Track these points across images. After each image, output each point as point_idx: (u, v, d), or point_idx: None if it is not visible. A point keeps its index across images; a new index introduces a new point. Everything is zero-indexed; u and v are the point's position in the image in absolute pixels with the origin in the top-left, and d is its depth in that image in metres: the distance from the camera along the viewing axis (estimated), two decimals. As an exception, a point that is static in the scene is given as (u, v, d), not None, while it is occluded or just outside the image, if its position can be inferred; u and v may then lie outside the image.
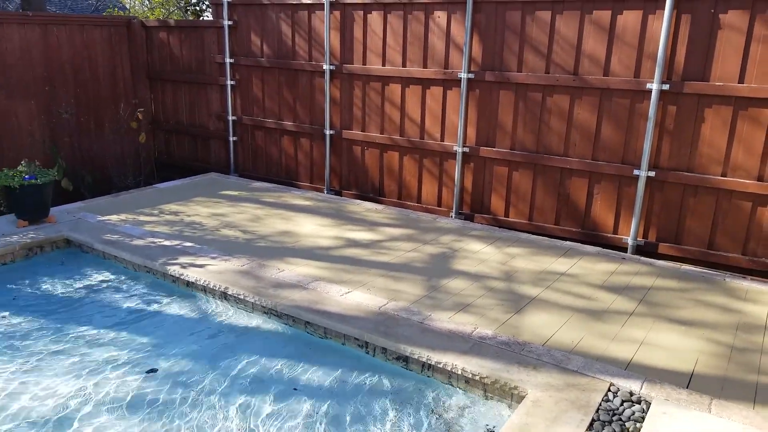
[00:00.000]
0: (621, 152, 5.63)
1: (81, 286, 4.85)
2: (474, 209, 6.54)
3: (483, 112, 6.26)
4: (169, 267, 4.79)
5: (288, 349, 3.98)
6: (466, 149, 6.40)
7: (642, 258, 5.39)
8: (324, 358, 3.88)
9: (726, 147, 5.17)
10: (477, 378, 3.41)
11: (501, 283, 4.68)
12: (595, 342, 3.80)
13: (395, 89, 6.76)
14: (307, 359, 3.86)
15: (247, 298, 4.34)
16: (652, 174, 5.46)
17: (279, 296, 4.31)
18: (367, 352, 3.84)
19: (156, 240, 5.40)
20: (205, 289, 4.55)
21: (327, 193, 7.48)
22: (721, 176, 5.23)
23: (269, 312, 4.25)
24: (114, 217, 6.06)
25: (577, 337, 3.86)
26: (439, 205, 6.78)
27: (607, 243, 5.81)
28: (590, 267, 5.08)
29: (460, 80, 6.25)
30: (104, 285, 4.87)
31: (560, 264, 5.13)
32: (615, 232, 5.80)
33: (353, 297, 4.33)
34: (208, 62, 8.16)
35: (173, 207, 6.51)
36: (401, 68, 6.63)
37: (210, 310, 4.46)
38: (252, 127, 8.07)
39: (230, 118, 8.15)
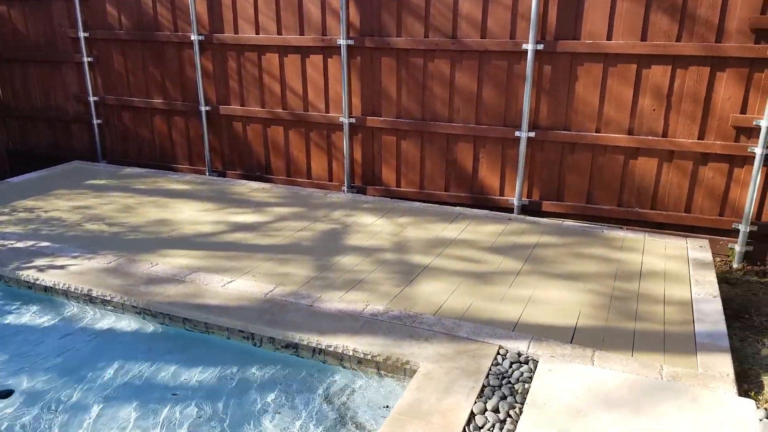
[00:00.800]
0: (502, 115, 5.69)
1: None
2: (366, 181, 6.42)
3: (366, 80, 6.10)
4: (22, 272, 4.30)
5: (166, 350, 3.69)
6: (353, 120, 6.23)
7: (527, 217, 5.52)
8: (208, 355, 3.63)
9: (599, 104, 5.35)
10: (369, 357, 3.32)
11: (393, 255, 4.60)
12: (484, 305, 3.81)
13: (272, 59, 6.43)
14: (189, 359, 3.59)
15: (115, 299, 3.98)
16: (532, 134, 5.56)
17: (152, 293, 3.98)
18: (255, 344, 3.64)
19: (6, 242, 4.83)
20: (66, 294, 4.12)
21: (209, 174, 7.08)
22: (596, 132, 5.42)
23: (142, 312, 3.91)
24: (-38, 219, 5.38)
25: (468, 302, 3.86)
26: (331, 179, 6.60)
27: (495, 205, 5.90)
28: (479, 230, 5.13)
29: (339, 47, 6.04)
30: (-49, 298, 4.30)
31: (450, 230, 5.14)
32: (501, 194, 5.89)
33: (236, 286, 4.09)
34: (60, 38, 7.39)
35: (28, 203, 5.88)
36: (276, 36, 6.30)
37: (74, 316, 4.04)
38: (118, 107, 7.44)
39: (91, 99, 7.46)
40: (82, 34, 7.17)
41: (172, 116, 7.17)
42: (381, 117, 6.14)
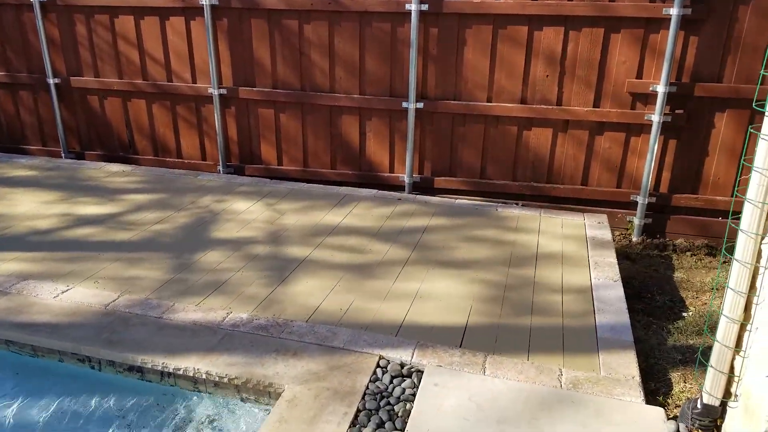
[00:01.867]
0: (388, 84, 5.18)
1: None
2: (244, 160, 5.75)
3: (236, 46, 5.38)
4: None
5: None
6: (224, 91, 5.51)
7: (418, 196, 5.09)
8: (37, 383, 2.94)
9: (489, 71, 4.95)
10: (226, 380, 2.76)
11: (266, 248, 4.02)
12: (366, 305, 3.34)
13: (127, 23, 5.55)
14: (13, 390, 2.89)
15: None
16: (420, 105, 5.10)
17: (-39, 312, 3.20)
18: (93, 367, 2.98)
19: None
20: None
21: (65, 156, 6.13)
22: (487, 102, 5.04)
23: (-50, 335, 3.14)
24: None
25: (347, 302, 3.37)
26: (204, 158, 5.87)
27: (385, 183, 5.43)
28: (365, 214, 4.64)
29: (202, 7, 5.27)
30: None
31: (334, 215, 4.62)
32: (392, 170, 5.43)
33: (72, 296, 3.38)
34: None
35: None
36: (129, -4, 5.43)
37: None
38: (-50, 80, 6.28)
39: None
40: None
41: (18, 91, 6.12)
42: (255, 87, 5.47)
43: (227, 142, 5.72)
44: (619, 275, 3.74)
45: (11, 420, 2.73)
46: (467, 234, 4.31)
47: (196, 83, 5.60)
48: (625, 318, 3.26)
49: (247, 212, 4.64)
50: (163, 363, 2.84)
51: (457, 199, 5.08)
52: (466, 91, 5.04)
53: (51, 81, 5.89)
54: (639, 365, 2.88)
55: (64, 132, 6.10)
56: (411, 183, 5.33)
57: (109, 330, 3.07)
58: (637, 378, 2.76)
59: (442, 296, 3.45)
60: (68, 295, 3.38)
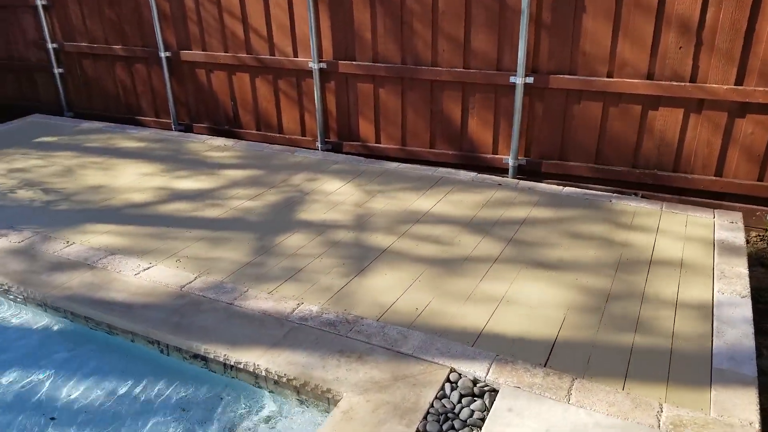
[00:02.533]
0: (495, 57, 4.73)
1: None
2: (342, 137, 5.59)
3: (336, 17, 5.17)
4: None
5: (60, 353, 3.05)
6: (323, 65, 5.35)
7: (521, 182, 4.64)
8: (107, 362, 2.98)
9: (611, 41, 4.35)
10: (285, 380, 2.61)
11: (349, 234, 3.83)
12: (444, 306, 3.04)
13: (231, -4, 5.53)
14: (84, 367, 2.95)
15: (12, 289, 3.33)
16: (530, 80, 4.61)
17: (51, 284, 3.32)
18: (161, 351, 2.96)
19: None
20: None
21: (175, 128, 6.32)
22: (607, 77, 4.45)
23: (42, 305, 3.27)
24: None
25: (425, 300, 3.09)
26: (304, 134, 5.78)
27: (487, 165, 5.03)
28: (460, 200, 4.29)
29: (302, -21, 5.10)
30: None
31: (426, 199, 4.32)
32: (495, 152, 5.01)
33: (152, 274, 3.39)
34: (8, -24, 6.58)
35: (-35, 165, 5.25)
36: (232, -32, 5.38)
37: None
38: (78, 55, 6.67)
39: (50, 45, 6.70)
40: (23, -29, 6.35)
41: (134, 64, 6.37)
42: (355, 61, 5.24)
43: (326, 117, 5.57)
44: (748, 290, 3.13)
45: (72, 396, 2.77)
46: (572, 229, 3.84)
47: (297, 57, 5.48)
48: (749, 346, 2.70)
49: (336, 193, 4.47)
50: (225, 355, 2.74)
51: (565, 186, 4.57)
52: (584, 65, 4.48)
53: (162, 54, 6.04)
54: (761, 407, 2.36)
55: (174, 104, 6.27)
56: (515, 166, 4.88)
57: (180, 314, 3.03)
58: (757, 425, 2.24)
59: (533, 302, 3.06)
60: (148, 273, 3.40)
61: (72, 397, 2.78)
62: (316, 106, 5.51)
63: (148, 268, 3.47)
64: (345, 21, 5.14)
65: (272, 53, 5.58)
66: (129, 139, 5.85)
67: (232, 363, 2.73)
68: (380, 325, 2.90)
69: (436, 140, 5.19)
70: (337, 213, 4.13)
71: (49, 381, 2.87)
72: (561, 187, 4.53)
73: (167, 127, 6.38)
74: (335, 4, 5.11)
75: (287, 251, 3.63)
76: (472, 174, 4.80)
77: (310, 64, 5.37)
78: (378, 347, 2.74)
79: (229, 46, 5.75)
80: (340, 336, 2.83)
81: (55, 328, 3.23)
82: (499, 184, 4.58)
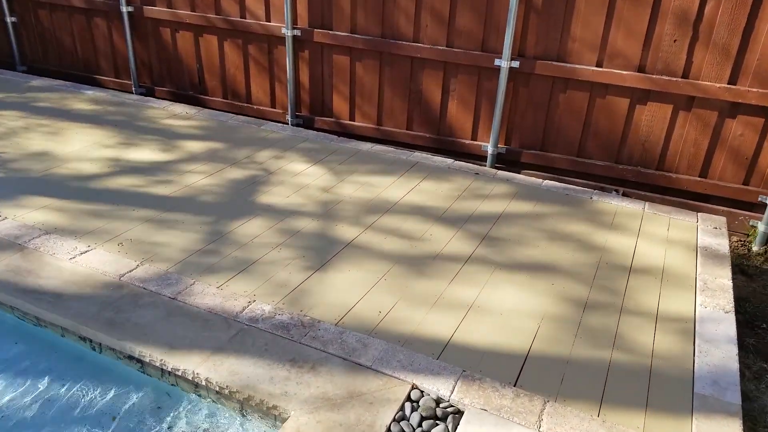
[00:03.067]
0: (481, 36, 4.43)
1: None
2: (314, 111, 5.26)
3: (312, -18, 4.79)
4: None
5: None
6: (297, 32, 4.97)
7: (499, 172, 4.39)
8: (31, 357, 2.68)
9: (603, 28, 4.08)
10: (227, 392, 2.34)
11: (313, 223, 3.54)
12: (409, 311, 2.79)
13: (199, -49, 5.09)
14: (7, 364, 2.64)
15: (-71, 269, 2.99)
16: (515, 64, 4.33)
17: (-26, 266, 2.98)
18: (93, 348, 2.66)
19: None
20: None
21: (136, 90, 5.90)
22: (596, 66, 4.19)
23: (-37, 288, 2.93)
24: None
25: (388, 304, 2.84)
26: (273, 105, 5.42)
27: (465, 151, 4.76)
28: (434, 189, 4.03)
29: (277, -62, 4.69)
30: None
31: (399, 186, 4.04)
32: (474, 137, 4.74)
33: (89, 259, 3.07)
34: None
35: None
36: None
37: None
38: (33, 3, 6.15)
39: (0, -9, 6.17)
40: None
41: (93, 17, 5.89)
42: (332, 30, 4.88)
43: (298, 89, 5.22)
44: (732, 304, 2.95)
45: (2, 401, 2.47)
46: (550, 227, 3.61)
47: (269, 21, 5.10)
48: (733, 368, 2.52)
49: (303, 174, 4.16)
50: (161, 359, 2.46)
51: (545, 180, 4.34)
52: (573, 52, 4.21)
53: (124, 9, 5.59)
54: (750, 446, 2.18)
55: (136, 65, 5.84)
56: (494, 154, 4.63)
57: (115, 308, 2.73)
58: (747, 472, 2.07)
59: (505, 310, 2.84)
60: (85, 258, 3.07)
61: (-12, 397, 2.48)
62: (288, 77, 5.15)
63: (86, 251, 3.14)
64: (321, -13, 4.76)
65: (243, 15, 5.18)
66: (83, 100, 5.42)
67: (169, 369, 2.45)
68: (338, 331, 2.64)
69: (413, 122, 4.90)
70: (302, 197, 3.83)
71: (-37, 377, 2.56)
72: (541, 180, 4.29)
73: (128, 89, 5.95)
74: (312, -32, 4.73)
75: (242, 239, 3.33)
76: (449, 161, 4.53)
77: (283, 30, 4.99)
78: (334, 356, 2.49)
79: (197, 4, 5.32)
80: (293, 342, 2.56)
81: (-22, 314, 2.90)
82: (476, 173, 4.32)
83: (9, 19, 6.31)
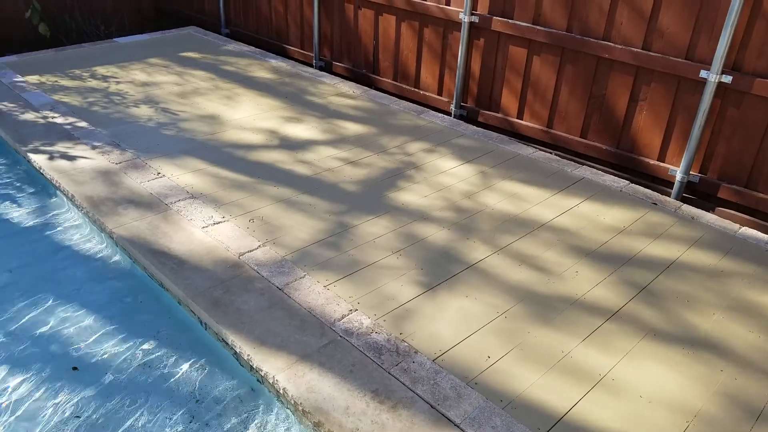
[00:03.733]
0: (686, 41, 3.69)
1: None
2: (480, 104, 4.87)
3: (501, -36, 4.36)
4: (34, 155, 3.76)
5: (113, 298, 2.87)
6: (475, 18, 4.60)
7: (683, 207, 3.66)
8: (147, 322, 2.75)
9: None
10: (300, 409, 2.17)
11: (442, 231, 3.22)
12: (522, 365, 2.37)
13: (390, -75, 4.90)
14: (126, 321, 2.74)
15: (89, 213, 3.23)
16: (726, 79, 3.53)
17: (122, 219, 3.15)
18: (201, 323, 2.65)
19: (51, 115, 4.33)
20: (61, 191, 3.51)
21: (315, 64, 5.97)
22: (842, 93, 3.25)
23: (110, 238, 3.13)
24: (33, 78, 5.00)
25: (501, 348, 2.44)
26: (440, 93, 5.13)
27: (646, 172, 4.07)
28: (595, 215, 3.46)
29: None
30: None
31: (552, 204, 3.54)
32: (661, 158, 4.02)
33: (218, 231, 3.08)
34: None
35: (112, 70, 5.34)
36: None
37: (60, 220, 3.41)
38: (238, -30, 6.50)
39: (214, -43, 6.59)
40: None
41: (288, -12, 6.06)
42: (512, 20, 4.42)
43: (467, 79, 4.86)
44: None
45: (94, 350, 2.56)
46: (735, 293, 2.89)
47: (448, 5, 4.78)
48: None
49: (449, 173, 3.84)
50: (248, 354, 2.35)
51: (743, 225, 3.53)
52: (809, 71, 3.31)
53: (316, -18, 5.63)
54: None
55: (319, 39, 5.89)
56: (683, 182, 3.88)
57: (225, 288, 2.69)
58: None
59: (645, 393, 2.29)
60: (216, 229, 3.10)
61: (99, 352, 2.58)
62: (458, 64, 4.81)
63: (219, 222, 3.17)
64: (510, -30, 4.31)
65: (423, -4, 4.92)
66: (265, 69, 5.60)
67: (253, 365, 2.34)
68: (434, 369, 2.32)
69: (588, 129, 4.30)
70: (439, 200, 3.52)
71: (77, 326, 2.70)
72: (737, 226, 3.49)
73: (309, 61, 6.05)
74: (502, -52, 4.29)
75: (365, 237, 3.12)
76: (622, 182, 3.89)
77: (461, 15, 4.65)
78: (421, 400, 2.19)
79: (381, -18, 5.17)
80: (382, 369, 2.30)
81: (122, 266, 3.07)
82: (654, 203, 3.65)
83: (219, -16, 6.74)
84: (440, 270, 2.89)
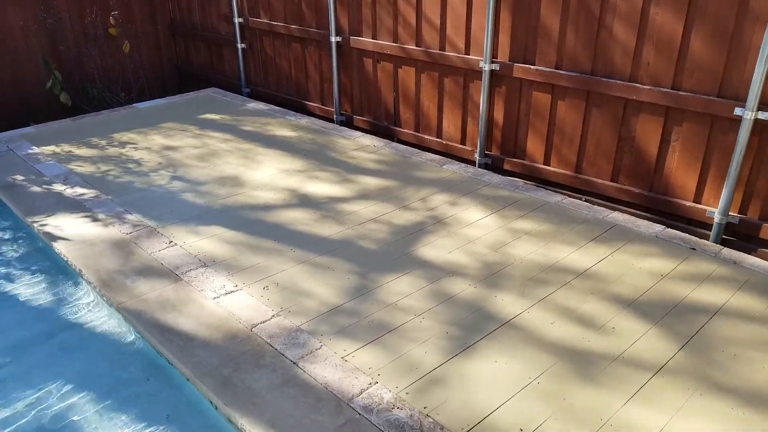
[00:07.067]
0: (718, 78, 3.52)
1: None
2: (505, 151, 4.74)
3: (520, 10, 4.30)
4: (42, 228, 3.72)
5: (121, 376, 2.77)
6: (496, 66, 4.52)
7: (724, 250, 3.42)
8: (157, 401, 2.62)
9: None
10: (315, 498, 1.98)
11: (471, 287, 3.05)
12: (564, 435, 2.15)
13: (405, -21, 4.92)
14: (133, 403, 2.61)
15: (96, 288, 3.15)
16: (764, 116, 3.34)
17: (131, 292, 3.06)
18: (210, 402, 2.51)
19: (63, 186, 4.32)
20: (69, 264, 3.45)
21: (336, 119, 5.97)
22: None
23: (118, 311, 3.04)
24: (48, 149, 5.04)
25: (537, 416, 2.23)
26: (463, 142, 5.03)
27: (682, 214, 3.85)
28: (631, 264, 3.25)
29: (482, -36, 4.30)
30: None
31: (586, 254, 3.34)
32: (697, 200, 3.80)
33: (231, 301, 2.97)
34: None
35: (129, 136, 5.39)
36: (407, -51, 4.75)
37: (67, 293, 3.34)
38: (259, 31, 6.61)
39: (236, 20, 6.73)
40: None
41: (307, 46, 6.12)
42: (534, 66, 4.33)
43: (490, 126, 4.76)
44: None
45: (108, 442, 2.43)
46: (790, 343, 2.63)
47: (468, 54, 4.72)
48: None
49: (475, 225, 3.68)
50: (258, 439, 2.19)
51: (793, 268, 3.27)
52: None
53: (333, 39, 5.67)
54: None
55: (339, 94, 5.90)
56: (722, 224, 3.64)
57: (234, 365, 2.55)
58: None
59: (700, 463, 2.04)
60: (228, 300, 2.98)
61: (106, 433, 2.45)
62: (481, 112, 4.71)
63: (232, 291, 3.05)
64: (530, 14, 4.24)
65: (442, 47, 4.88)
66: (285, 126, 5.61)
67: (265, 450, 2.17)
68: (463, 446, 2.12)
69: (619, 173, 4.11)
70: (466, 254, 3.36)
71: (83, 416, 2.58)
72: (787, 270, 3.23)
73: (330, 116, 6.05)
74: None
75: (388, 298, 2.97)
76: (658, 228, 3.67)
77: (481, 64, 4.58)
78: (448, 483, 1.98)
79: (399, 35, 5.16)
80: (405, 450, 2.11)
81: (129, 341, 2.97)
82: (692, 248, 3.41)
83: (240, 45, 6.86)
84: (468, 331, 2.71)
